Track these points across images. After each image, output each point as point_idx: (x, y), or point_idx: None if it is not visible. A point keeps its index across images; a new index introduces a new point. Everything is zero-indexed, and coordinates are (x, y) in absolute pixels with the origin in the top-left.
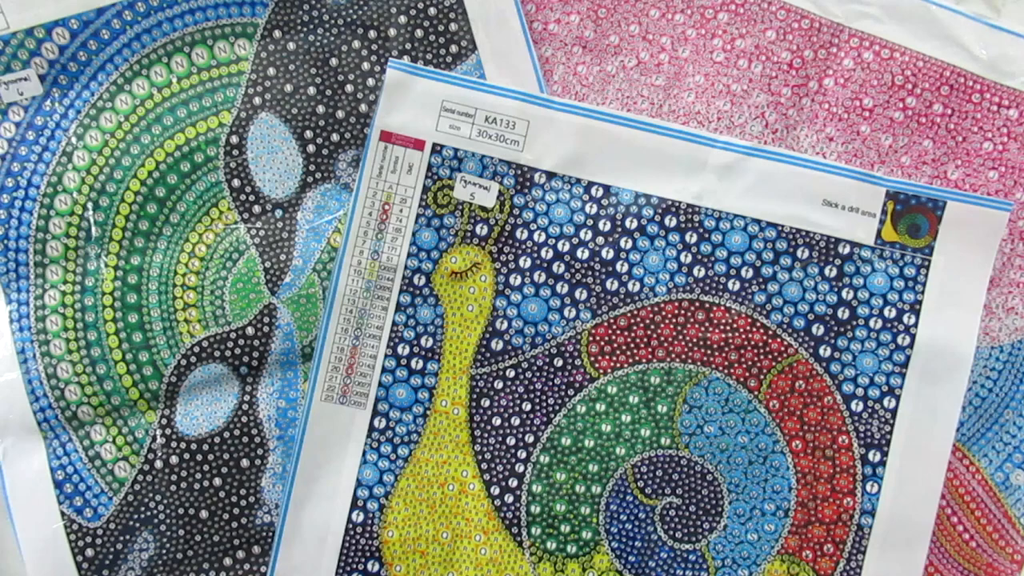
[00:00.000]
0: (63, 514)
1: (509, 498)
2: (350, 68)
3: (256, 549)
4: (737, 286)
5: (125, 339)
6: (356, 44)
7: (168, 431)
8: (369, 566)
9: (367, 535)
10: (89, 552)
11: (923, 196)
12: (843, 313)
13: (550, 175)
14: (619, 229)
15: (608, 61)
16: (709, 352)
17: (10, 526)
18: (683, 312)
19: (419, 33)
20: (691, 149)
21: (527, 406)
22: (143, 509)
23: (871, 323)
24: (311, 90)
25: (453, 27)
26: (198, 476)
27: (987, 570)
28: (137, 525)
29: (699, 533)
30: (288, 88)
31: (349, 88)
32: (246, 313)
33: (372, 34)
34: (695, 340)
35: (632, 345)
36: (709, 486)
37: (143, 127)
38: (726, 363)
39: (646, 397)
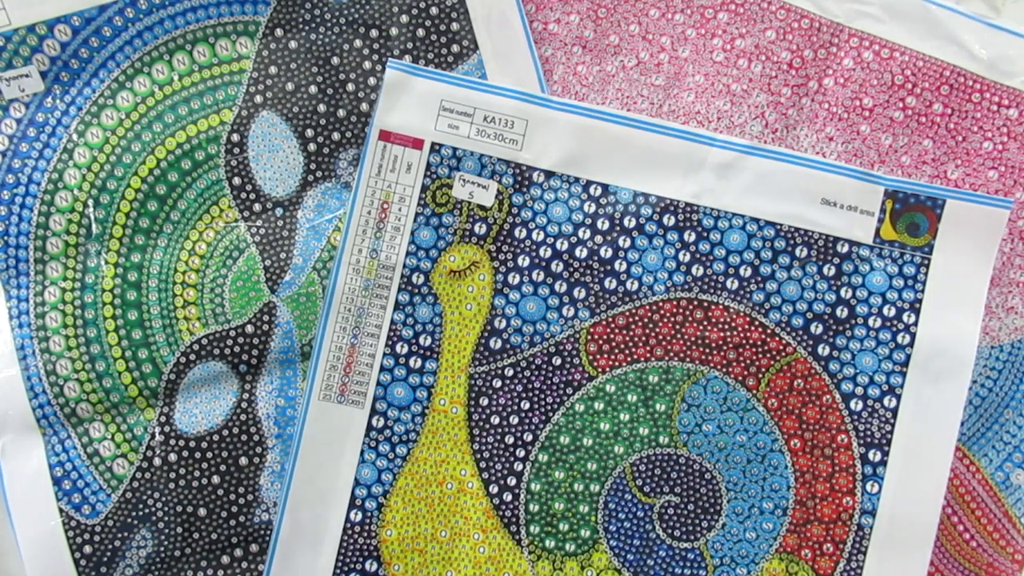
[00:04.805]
0: (61, 511)
1: (508, 496)
2: (351, 67)
3: (254, 547)
4: (735, 285)
5: (124, 336)
6: (358, 43)
7: (167, 428)
8: (367, 565)
9: (365, 534)
10: (87, 549)
11: (922, 195)
12: (842, 312)
13: (548, 174)
14: (617, 228)
15: (608, 61)
16: (707, 351)
17: (8, 523)
18: (681, 311)
19: (421, 32)
20: (690, 148)
21: (526, 405)
22: (141, 506)
23: (870, 322)
24: (312, 89)
25: (455, 27)
26: (196, 474)
27: (988, 570)
28: (135, 522)
29: (697, 531)
30: (289, 86)
31: (350, 87)
32: (246, 311)
33: (374, 33)
34: (693, 339)
35: (630, 344)
36: (707, 484)
37: (144, 124)
38: (724, 362)
39: (644, 396)
